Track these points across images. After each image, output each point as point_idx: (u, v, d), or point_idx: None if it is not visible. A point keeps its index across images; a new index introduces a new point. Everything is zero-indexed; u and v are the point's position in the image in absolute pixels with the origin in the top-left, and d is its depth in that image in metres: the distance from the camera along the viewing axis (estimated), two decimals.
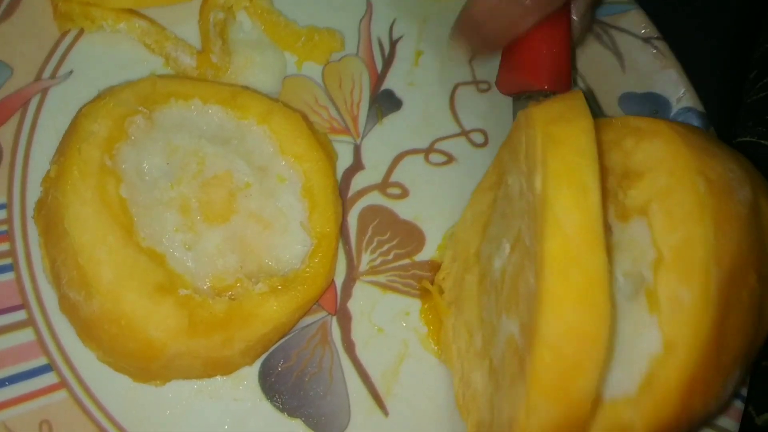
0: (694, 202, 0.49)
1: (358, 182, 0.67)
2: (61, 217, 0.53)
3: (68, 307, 0.55)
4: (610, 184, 0.56)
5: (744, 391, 0.65)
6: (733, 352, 0.50)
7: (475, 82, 0.74)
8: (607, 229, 0.59)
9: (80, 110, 0.58)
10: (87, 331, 0.55)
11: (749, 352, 0.51)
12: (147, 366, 0.55)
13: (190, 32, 0.68)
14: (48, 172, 0.57)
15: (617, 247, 0.54)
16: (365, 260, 0.65)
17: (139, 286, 0.52)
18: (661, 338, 0.49)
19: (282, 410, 0.59)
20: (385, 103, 0.71)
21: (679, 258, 0.49)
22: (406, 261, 0.65)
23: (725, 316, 0.48)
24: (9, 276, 0.57)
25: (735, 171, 0.52)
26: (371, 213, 0.67)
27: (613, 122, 0.58)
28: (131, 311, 0.52)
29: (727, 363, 0.50)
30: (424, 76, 0.73)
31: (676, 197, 0.50)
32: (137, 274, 0.53)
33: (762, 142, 0.76)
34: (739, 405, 0.64)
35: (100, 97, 0.59)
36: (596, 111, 0.76)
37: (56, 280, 0.55)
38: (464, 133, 0.72)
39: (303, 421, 0.59)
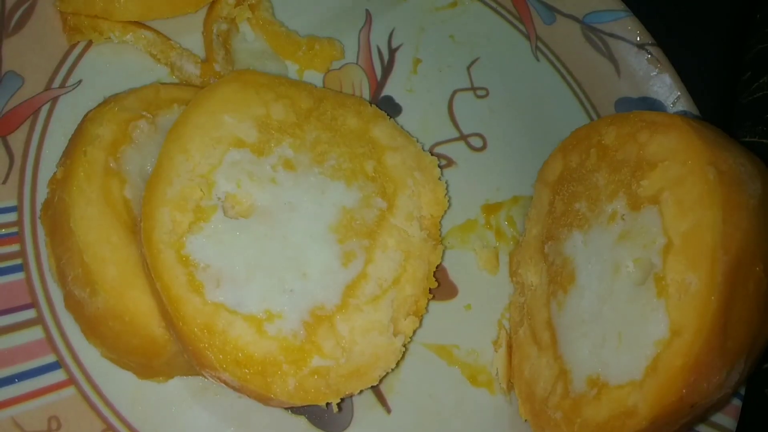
0: (704, 189, 0.51)
1: None
2: (67, 216, 0.54)
3: (73, 305, 0.56)
4: (624, 176, 0.58)
5: (743, 390, 0.65)
6: (739, 340, 0.51)
7: (473, 89, 0.76)
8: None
9: (86, 115, 0.60)
10: (91, 327, 0.56)
11: (755, 343, 0.52)
12: (150, 362, 0.56)
13: (195, 43, 0.70)
14: (54, 174, 0.58)
15: (628, 235, 0.56)
16: None
17: (143, 283, 0.54)
18: (667, 323, 0.50)
19: (286, 408, 0.60)
20: (384, 108, 0.72)
21: (687, 243, 0.51)
22: None
23: (731, 303, 0.50)
24: (19, 276, 0.58)
25: (746, 166, 0.54)
26: None
27: (630, 116, 0.60)
28: (135, 308, 0.54)
29: (733, 351, 0.51)
30: (422, 83, 0.75)
31: (687, 185, 0.52)
32: (141, 272, 0.54)
33: (764, 141, 0.77)
34: (737, 403, 0.65)
35: (105, 102, 0.60)
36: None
37: (62, 279, 0.56)
38: (463, 137, 0.74)
39: (307, 418, 0.60)
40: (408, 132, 0.70)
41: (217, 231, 0.54)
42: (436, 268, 0.63)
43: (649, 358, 0.51)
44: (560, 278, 0.61)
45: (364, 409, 0.61)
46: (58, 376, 0.57)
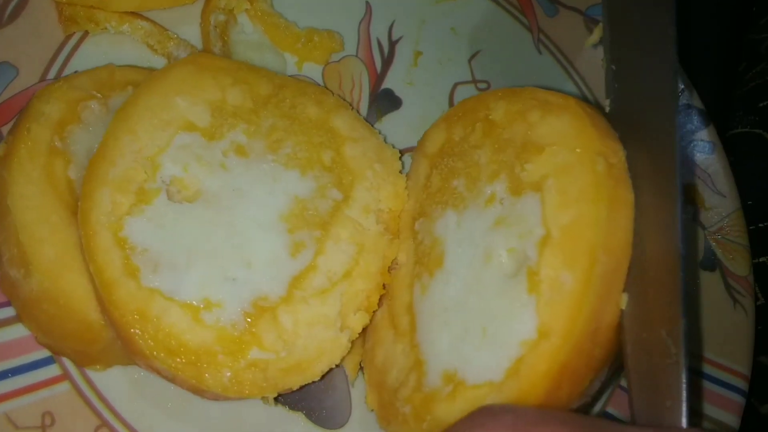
0: (591, 182, 0.48)
1: None
2: (5, 194, 0.53)
3: (8, 286, 0.55)
4: (508, 156, 0.54)
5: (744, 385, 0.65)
6: (606, 348, 0.48)
7: (474, 81, 0.75)
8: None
9: (35, 93, 0.59)
10: (26, 310, 0.55)
11: (618, 353, 0.49)
12: (86, 349, 0.55)
13: (192, 34, 0.69)
14: None
15: (504, 222, 0.52)
16: None
17: (81, 266, 0.52)
18: (536, 322, 0.47)
19: (283, 403, 0.59)
20: (384, 102, 0.71)
21: (567, 239, 0.47)
22: None
23: (604, 308, 0.46)
24: None
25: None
26: None
27: (523, 92, 0.56)
28: (71, 291, 0.52)
29: (599, 359, 0.48)
30: (423, 76, 0.74)
31: (573, 174, 0.49)
32: (79, 255, 0.53)
33: (755, 131, 0.76)
34: (739, 399, 0.64)
35: (55, 81, 0.59)
36: None
37: None
38: None
39: (304, 414, 0.59)
40: (409, 125, 0.69)
41: (159, 214, 0.53)
42: None
43: (511, 359, 0.47)
44: (427, 260, 0.57)
45: (363, 405, 0.60)
46: (53, 371, 0.56)
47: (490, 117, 0.57)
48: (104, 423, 0.55)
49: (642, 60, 0.54)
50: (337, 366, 0.56)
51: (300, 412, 0.59)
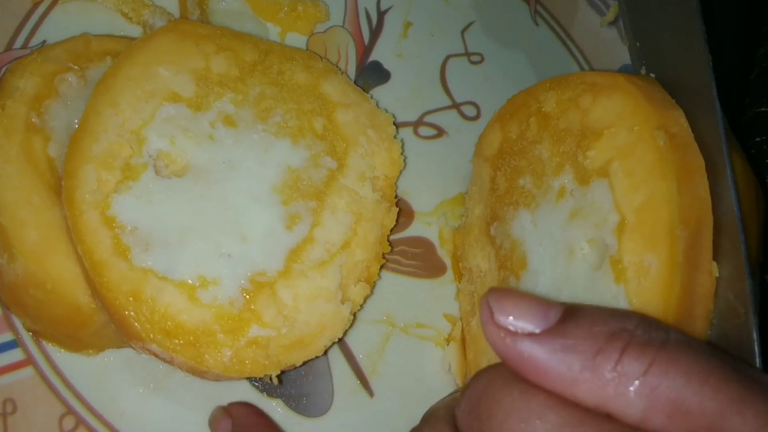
0: (656, 158, 0.46)
1: None
2: None
3: None
4: (569, 146, 0.52)
5: None
6: (707, 317, 0.47)
7: (467, 54, 0.72)
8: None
9: (7, 67, 0.56)
10: (12, 296, 0.52)
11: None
12: (76, 334, 0.52)
13: (169, 1, 0.66)
14: None
15: (579, 213, 0.50)
16: None
17: (67, 248, 0.50)
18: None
19: (261, 390, 0.57)
20: (372, 74, 0.69)
21: (642, 220, 0.46)
22: (394, 236, 0.63)
23: (695, 280, 0.45)
24: None
25: None
26: None
27: (570, 79, 0.54)
28: (58, 274, 0.50)
29: (702, 328, 0.47)
30: (413, 48, 0.71)
31: (636, 154, 0.47)
32: (64, 236, 0.50)
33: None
34: None
35: (29, 54, 0.56)
36: None
37: None
38: (455, 105, 0.70)
39: (283, 401, 0.57)
40: (398, 99, 0.66)
41: (148, 191, 0.51)
42: (425, 244, 0.60)
43: None
44: (510, 263, 0.56)
45: (346, 392, 0.58)
46: (15, 355, 0.53)
47: (543, 109, 0.56)
48: (70, 410, 0.53)
49: (667, 33, 0.53)
50: (324, 354, 0.54)
51: (278, 399, 0.57)
